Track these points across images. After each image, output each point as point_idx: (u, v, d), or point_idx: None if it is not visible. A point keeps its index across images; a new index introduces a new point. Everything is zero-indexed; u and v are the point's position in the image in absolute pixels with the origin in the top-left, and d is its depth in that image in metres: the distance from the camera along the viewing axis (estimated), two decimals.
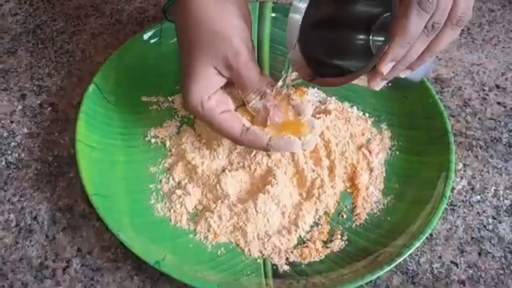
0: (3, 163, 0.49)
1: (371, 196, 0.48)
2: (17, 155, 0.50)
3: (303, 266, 0.43)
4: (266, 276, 0.43)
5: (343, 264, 0.43)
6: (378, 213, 0.47)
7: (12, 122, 0.52)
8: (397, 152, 0.51)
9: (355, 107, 0.54)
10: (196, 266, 0.43)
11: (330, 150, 0.49)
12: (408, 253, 0.41)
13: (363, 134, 0.52)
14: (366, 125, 0.53)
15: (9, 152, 0.50)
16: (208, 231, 0.45)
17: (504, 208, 0.48)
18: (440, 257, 0.45)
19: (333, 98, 0.54)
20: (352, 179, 0.49)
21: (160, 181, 0.48)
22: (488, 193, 0.49)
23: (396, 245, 0.43)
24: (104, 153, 0.48)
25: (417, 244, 0.42)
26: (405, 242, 0.42)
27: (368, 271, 0.41)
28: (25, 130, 0.51)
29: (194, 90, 0.42)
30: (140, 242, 0.42)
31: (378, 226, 0.46)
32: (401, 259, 0.41)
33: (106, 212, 0.42)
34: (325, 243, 0.45)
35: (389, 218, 0.46)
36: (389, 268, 0.41)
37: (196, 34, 0.42)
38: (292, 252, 0.44)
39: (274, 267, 0.43)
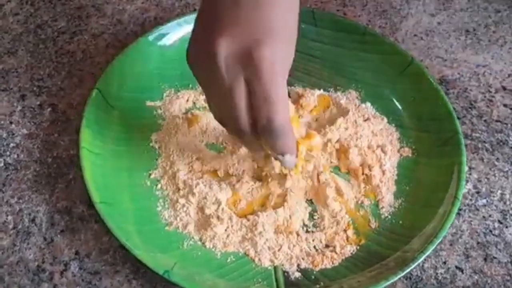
0: (2, 164, 0.48)
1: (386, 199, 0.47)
2: (16, 156, 0.49)
3: (315, 272, 0.43)
4: (277, 284, 0.42)
5: (355, 270, 0.42)
6: (390, 217, 0.46)
7: (11, 122, 0.52)
8: (407, 154, 0.50)
9: (368, 103, 0.53)
10: (205, 274, 0.42)
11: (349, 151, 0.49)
12: (422, 258, 0.40)
13: (382, 135, 0.51)
14: (384, 123, 0.52)
15: (8, 153, 0.49)
16: (215, 238, 0.44)
17: (511, 212, 0.47)
18: (445, 262, 0.44)
19: (343, 97, 0.54)
20: (366, 181, 0.48)
21: (166, 187, 0.47)
22: (494, 197, 0.48)
23: (409, 249, 0.42)
24: (108, 159, 0.47)
25: (431, 248, 0.41)
26: (418, 246, 0.42)
27: (383, 277, 0.40)
28: (25, 131, 0.51)
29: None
30: (147, 250, 0.41)
31: (390, 230, 0.45)
32: (415, 265, 0.40)
33: (113, 221, 0.41)
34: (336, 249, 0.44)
35: (401, 222, 0.46)
36: (403, 274, 0.40)
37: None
38: (303, 259, 0.43)
39: (286, 274, 0.43)
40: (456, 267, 0.44)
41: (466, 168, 0.46)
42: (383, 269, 0.41)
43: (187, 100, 0.53)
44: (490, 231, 0.46)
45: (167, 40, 0.55)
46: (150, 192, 0.46)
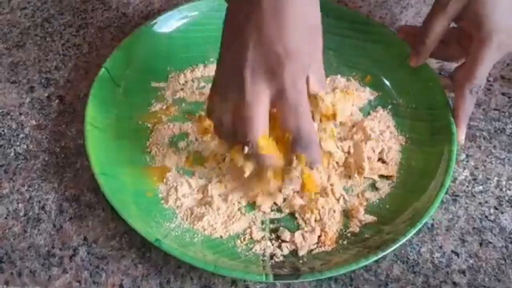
0: (12, 154, 0.50)
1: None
2: (25, 146, 0.51)
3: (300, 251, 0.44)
4: (263, 260, 0.43)
5: (339, 249, 0.44)
6: (377, 201, 0.47)
7: (20, 114, 0.53)
8: (401, 142, 0.51)
9: (368, 88, 0.55)
10: (195, 246, 0.43)
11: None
12: (403, 240, 0.42)
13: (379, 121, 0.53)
14: (381, 112, 0.54)
15: (17, 143, 0.51)
16: (204, 221, 0.45)
17: (507, 198, 0.48)
18: (441, 247, 0.45)
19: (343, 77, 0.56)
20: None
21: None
22: (490, 183, 0.49)
23: (391, 231, 0.43)
24: (112, 135, 0.49)
25: (413, 231, 0.42)
26: (401, 229, 0.43)
27: (363, 255, 0.41)
28: (33, 122, 0.53)
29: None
30: (142, 221, 0.43)
31: (376, 213, 0.46)
32: (396, 246, 0.42)
33: (110, 191, 0.44)
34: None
35: (387, 206, 0.47)
36: (383, 254, 0.41)
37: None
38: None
39: (273, 252, 0.44)
40: (452, 251, 0.45)
41: (456, 157, 0.47)
42: (364, 249, 0.42)
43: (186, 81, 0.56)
44: (486, 216, 0.47)
45: (174, 25, 0.57)
46: (150, 168, 0.48)
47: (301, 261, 0.43)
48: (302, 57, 0.39)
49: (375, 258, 0.41)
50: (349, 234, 0.45)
